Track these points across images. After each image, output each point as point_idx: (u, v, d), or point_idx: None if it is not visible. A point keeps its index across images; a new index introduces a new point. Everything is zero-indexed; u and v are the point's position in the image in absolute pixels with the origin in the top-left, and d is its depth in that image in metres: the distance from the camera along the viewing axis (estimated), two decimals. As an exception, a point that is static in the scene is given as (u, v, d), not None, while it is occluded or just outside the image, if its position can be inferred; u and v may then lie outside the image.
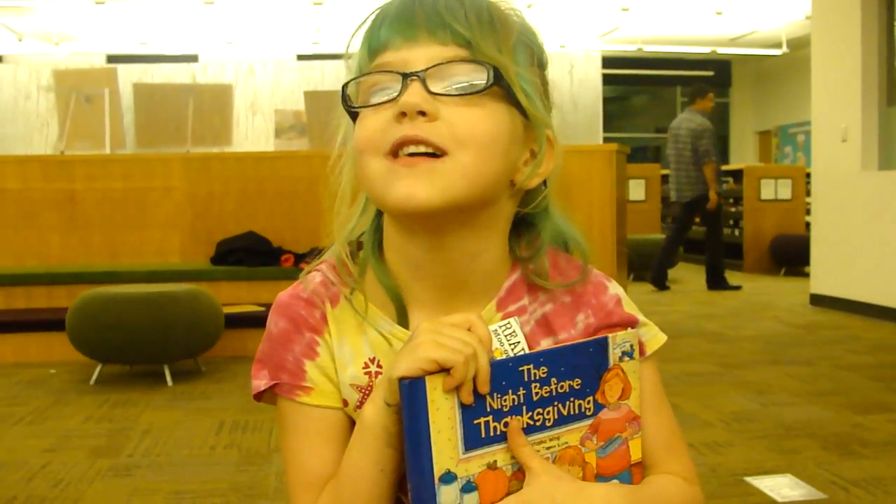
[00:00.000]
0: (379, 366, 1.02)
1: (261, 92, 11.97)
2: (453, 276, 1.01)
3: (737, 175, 11.76)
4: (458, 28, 0.93)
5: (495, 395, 0.92)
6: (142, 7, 12.90)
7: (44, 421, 4.21)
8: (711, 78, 18.51)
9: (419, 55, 0.93)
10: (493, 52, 0.93)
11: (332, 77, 11.99)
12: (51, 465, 3.49)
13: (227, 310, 5.49)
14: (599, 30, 14.86)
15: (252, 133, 11.75)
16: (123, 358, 5.02)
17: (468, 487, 0.91)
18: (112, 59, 14.76)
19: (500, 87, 0.94)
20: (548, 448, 0.95)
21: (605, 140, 12.93)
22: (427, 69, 0.92)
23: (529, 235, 1.07)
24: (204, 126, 9.00)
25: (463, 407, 0.90)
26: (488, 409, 0.91)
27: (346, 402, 1.03)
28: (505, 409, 0.92)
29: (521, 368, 0.93)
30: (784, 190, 11.10)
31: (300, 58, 14.29)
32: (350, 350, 1.03)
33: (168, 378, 4.95)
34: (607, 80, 15.31)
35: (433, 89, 0.92)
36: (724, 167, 13.52)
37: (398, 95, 0.92)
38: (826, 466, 3.34)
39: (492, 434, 0.92)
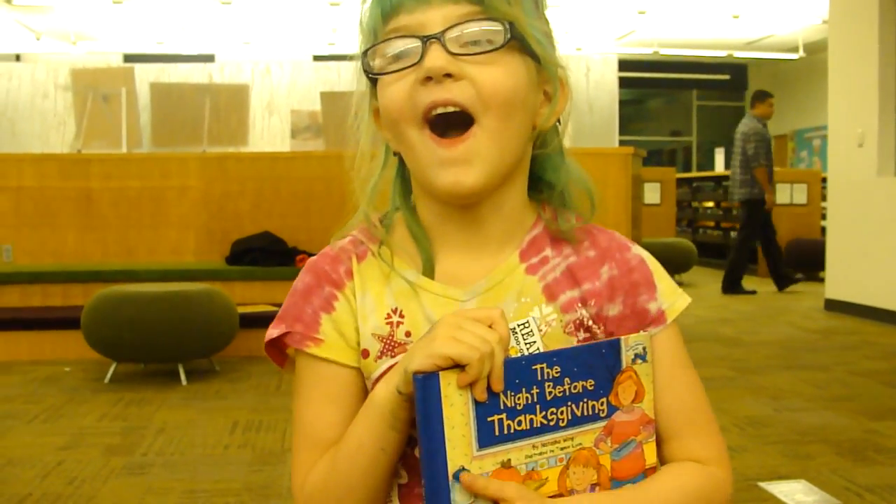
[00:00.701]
0: (401, 315, 1.02)
1: (277, 92, 11.98)
2: (479, 227, 1.03)
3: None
4: None
5: (509, 393, 0.92)
6: (159, 7, 12.93)
7: (58, 419, 4.23)
8: (727, 82, 18.48)
9: (434, 16, 0.94)
10: (505, 6, 0.95)
11: (349, 78, 11.83)
12: (65, 462, 3.51)
13: (242, 309, 5.50)
14: (616, 33, 14.83)
15: (268, 133, 11.76)
16: (138, 356, 5.04)
17: None
18: (129, 58, 14.81)
19: (515, 40, 0.96)
20: (562, 448, 0.95)
21: (621, 143, 12.88)
22: (445, 30, 0.94)
23: (543, 185, 1.08)
24: (220, 126, 9.02)
25: (477, 404, 0.90)
26: (502, 407, 0.91)
27: (366, 353, 1.03)
28: (518, 408, 0.92)
29: (534, 367, 0.93)
30: (800, 195, 11.06)
31: (316, 58, 14.30)
32: (373, 301, 1.03)
33: (182, 377, 4.97)
34: (623, 83, 15.26)
35: (453, 50, 0.94)
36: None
37: (420, 60, 0.94)
38: (840, 472, 3.33)
39: (506, 432, 0.92)
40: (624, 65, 15.33)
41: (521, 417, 0.93)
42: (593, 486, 0.98)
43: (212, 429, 4.02)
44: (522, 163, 1.03)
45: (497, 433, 0.92)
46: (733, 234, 12.01)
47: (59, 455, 3.61)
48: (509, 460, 0.92)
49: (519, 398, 0.93)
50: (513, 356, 0.94)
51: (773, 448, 3.67)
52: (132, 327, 4.79)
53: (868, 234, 7.42)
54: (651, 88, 18.85)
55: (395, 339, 1.01)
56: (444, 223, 1.03)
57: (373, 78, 1.01)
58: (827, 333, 6.74)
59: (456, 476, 0.89)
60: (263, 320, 5.68)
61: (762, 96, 9.28)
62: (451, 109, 0.94)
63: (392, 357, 1.01)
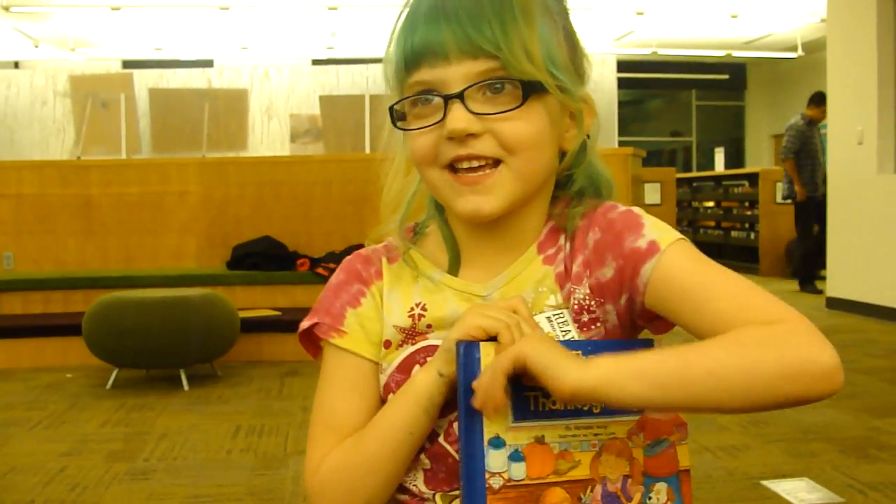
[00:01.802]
0: (423, 309, 1.07)
1: (276, 96, 12.00)
2: (503, 237, 1.06)
3: (752, 178, 11.72)
4: (481, 43, 0.96)
5: None
6: (157, 13, 12.93)
7: (60, 425, 4.23)
8: (726, 81, 18.47)
9: (454, 74, 0.97)
10: (523, 61, 0.96)
11: (347, 82, 12.00)
12: (68, 469, 3.51)
13: (243, 314, 5.50)
14: (614, 33, 14.83)
15: (267, 137, 11.77)
16: (140, 362, 5.04)
17: (516, 456, 0.94)
18: (128, 64, 14.82)
19: (541, 92, 0.98)
20: (595, 435, 0.97)
21: (620, 144, 12.91)
22: (465, 89, 0.97)
23: (567, 184, 1.11)
24: (219, 131, 9.04)
25: (516, 377, 0.92)
26: (538, 384, 0.93)
27: (388, 343, 1.07)
28: None
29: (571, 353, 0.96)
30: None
31: (315, 62, 14.31)
32: (400, 297, 1.08)
33: (184, 382, 4.97)
34: (622, 83, 15.29)
35: (474, 109, 0.97)
36: (739, 171, 13.51)
37: (443, 118, 0.98)
38: (843, 470, 3.32)
39: (541, 409, 0.95)
40: (622, 65, 15.35)
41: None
42: (625, 478, 0.99)
43: (214, 434, 4.02)
44: (548, 181, 1.07)
45: (532, 408, 0.95)
46: (734, 233, 12.04)
47: (62, 461, 3.61)
48: (543, 436, 0.95)
49: None
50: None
51: (776, 446, 3.67)
52: (134, 333, 4.79)
53: (869, 231, 7.42)
54: (650, 89, 18.83)
55: (416, 329, 1.06)
56: (470, 234, 1.08)
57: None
58: (829, 331, 6.62)
59: (491, 442, 0.92)
60: (265, 325, 5.70)
61: (815, 99, 9.24)
62: (475, 164, 0.99)
63: (413, 345, 1.06)
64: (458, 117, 0.96)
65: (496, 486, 0.93)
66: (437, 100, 0.98)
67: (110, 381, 5.01)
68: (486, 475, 0.92)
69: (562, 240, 1.06)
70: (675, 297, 0.96)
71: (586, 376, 0.87)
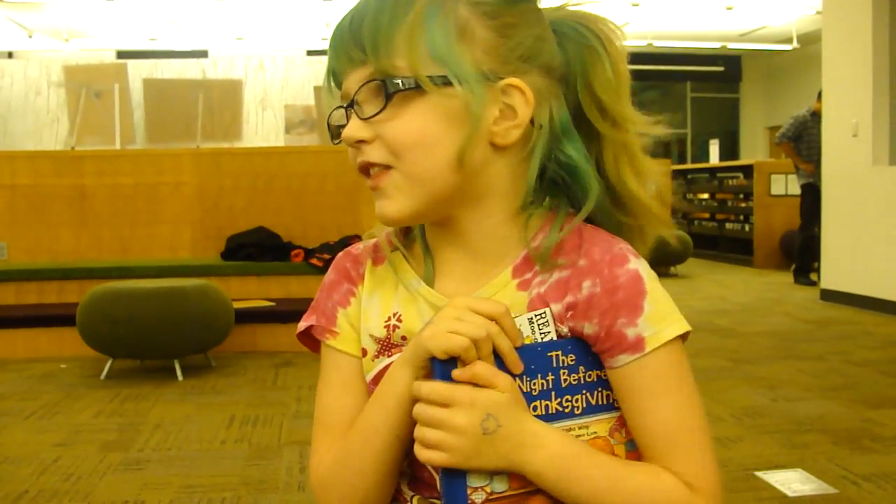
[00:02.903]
0: (399, 320, 1.05)
1: (271, 87, 11.96)
2: (463, 243, 1.03)
3: (747, 170, 11.74)
4: (357, 50, 0.96)
5: (525, 378, 0.94)
6: (151, 3, 12.91)
7: (55, 415, 4.22)
8: (721, 73, 18.48)
9: (350, 83, 0.99)
10: (384, 61, 0.95)
11: (342, 72, 11.94)
12: (62, 459, 3.50)
13: (238, 305, 5.50)
14: (609, 25, 14.81)
15: (262, 128, 11.74)
16: (134, 353, 5.03)
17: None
18: (122, 54, 14.80)
19: (413, 89, 0.94)
20: (577, 436, 0.97)
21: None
22: (353, 98, 0.98)
23: (561, 194, 1.05)
24: (214, 121, 9.02)
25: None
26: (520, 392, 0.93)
27: (364, 352, 1.07)
28: (534, 393, 0.94)
29: (549, 354, 0.95)
30: (794, 185, 11.06)
31: (310, 53, 14.29)
32: (378, 304, 1.07)
33: (178, 373, 4.97)
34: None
35: (364, 115, 0.97)
36: (733, 163, 13.52)
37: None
38: (837, 461, 3.33)
39: None
40: (618, 57, 15.33)
41: (537, 403, 0.94)
42: None
43: (208, 424, 4.02)
44: (499, 182, 1.00)
45: None
46: (728, 225, 12.05)
47: (56, 452, 3.61)
48: None
49: (535, 384, 0.95)
50: (528, 343, 0.96)
51: (769, 437, 3.68)
52: (128, 324, 4.78)
53: (863, 223, 7.43)
54: (645, 81, 18.83)
55: (391, 341, 1.05)
56: (441, 243, 1.06)
57: None
58: (823, 323, 6.75)
59: None
60: (259, 315, 5.70)
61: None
62: (376, 169, 0.98)
63: (388, 357, 1.05)
64: (351, 126, 0.98)
65: (479, 501, 0.92)
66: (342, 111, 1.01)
67: (104, 372, 5.00)
68: (469, 491, 0.91)
69: (538, 265, 1.00)
70: (628, 393, 0.98)
71: (534, 458, 0.92)
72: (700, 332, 6.29)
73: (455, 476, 0.91)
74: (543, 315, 0.98)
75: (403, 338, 1.03)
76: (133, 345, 4.88)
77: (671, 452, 0.96)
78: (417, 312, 1.03)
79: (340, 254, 1.15)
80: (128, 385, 4.84)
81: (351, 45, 0.97)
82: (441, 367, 0.91)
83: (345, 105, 0.99)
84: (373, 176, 0.98)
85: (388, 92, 0.94)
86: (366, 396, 1.06)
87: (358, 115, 0.97)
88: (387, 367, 1.03)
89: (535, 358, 0.94)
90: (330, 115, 1.03)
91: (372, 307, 1.07)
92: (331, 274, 1.13)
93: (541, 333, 0.98)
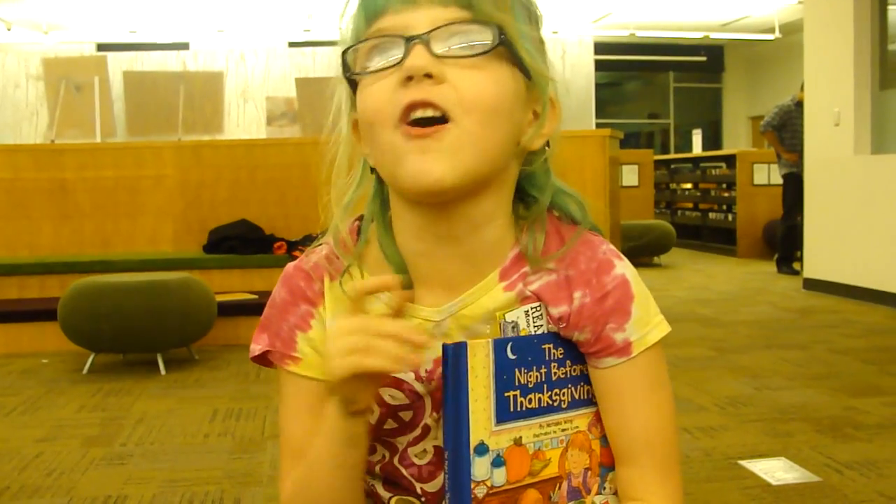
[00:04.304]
0: None
1: (252, 79, 11.94)
2: (459, 245, 0.98)
3: (729, 160, 11.76)
4: None
5: (522, 370, 0.95)
6: (131, -5, 12.84)
7: (36, 410, 4.19)
8: (704, 63, 18.51)
9: (420, 18, 0.90)
10: (494, 11, 0.90)
11: (324, 64, 11.96)
12: (44, 454, 3.48)
13: (220, 298, 5.47)
14: (592, 15, 14.82)
15: (243, 120, 11.72)
16: (116, 347, 5.00)
17: (498, 462, 0.93)
18: (102, 47, 14.70)
19: (503, 47, 0.91)
20: (563, 430, 0.98)
21: (598, 126, 12.91)
22: (430, 31, 0.89)
23: (530, 201, 1.03)
24: (195, 114, 8.96)
25: (497, 377, 0.92)
26: (517, 384, 0.94)
27: None
28: (530, 385, 0.95)
29: (543, 347, 0.96)
30: (777, 175, 11.10)
31: (291, 45, 14.23)
32: None
33: (161, 367, 4.94)
34: (600, 65, 15.30)
35: (437, 51, 0.89)
36: (716, 152, 13.55)
37: (402, 59, 0.89)
38: (820, 449, 3.34)
39: (519, 409, 0.94)
40: (600, 47, 15.36)
41: (532, 396, 0.95)
42: (586, 471, 0.99)
43: (191, 418, 4.00)
44: (504, 179, 0.98)
45: (511, 409, 0.94)
46: (711, 215, 12.09)
47: (38, 447, 3.58)
48: (521, 438, 0.94)
49: (531, 376, 0.95)
50: (524, 335, 0.97)
51: (753, 426, 3.69)
52: (110, 318, 4.75)
53: (846, 212, 7.45)
54: (628, 71, 18.86)
55: None
56: (422, 241, 0.98)
57: (352, 80, 0.96)
58: (806, 312, 6.77)
59: (477, 450, 0.91)
60: (242, 308, 5.68)
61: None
62: (430, 113, 0.88)
63: None
64: (419, 55, 0.88)
65: (480, 496, 0.92)
66: (396, 46, 0.90)
67: (87, 366, 4.97)
68: (472, 485, 0.91)
69: (528, 268, 1.00)
70: (611, 394, 0.99)
71: None
72: (683, 321, 6.30)
73: (461, 468, 0.90)
74: (538, 308, 0.99)
75: None
76: (115, 339, 4.85)
77: (651, 460, 0.99)
78: None
79: (290, 268, 1.07)
80: (110, 379, 4.82)
81: None
82: (453, 350, 0.91)
83: (406, 36, 0.89)
84: (426, 129, 0.88)
85: (497, 41, 0.90)
86: None
87: (431, 51, 0.89)
88: None
89: (531, 349, 0.95)
90: (352, 48, 0.93)
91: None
92: (282, 292, 1.06)
93: (535, 326, 0.99)
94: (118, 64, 10.80)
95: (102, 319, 4.76)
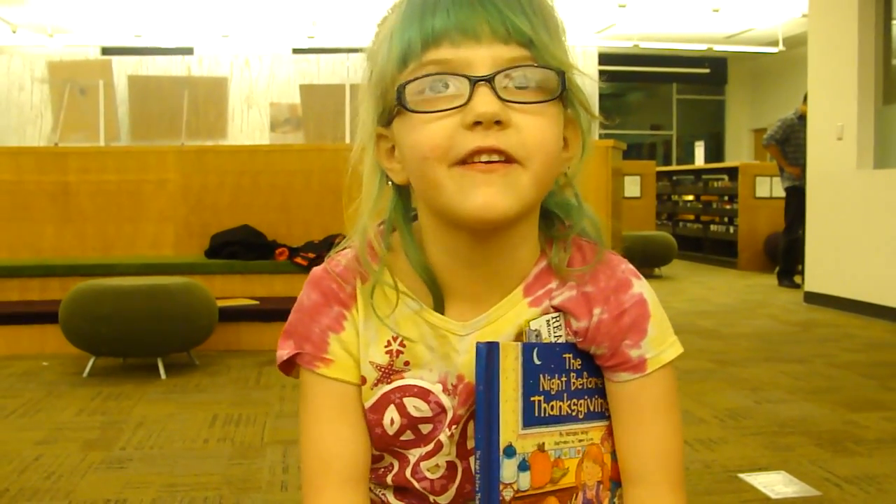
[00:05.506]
0: (402, 344, 1.00)
1: (256, 85, 11.95)
2: (490, 266, 0.99)
3: (732, 172, 11.77)
4: (519, 25, 0.88)
5: (546, 375, 0.96)
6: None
7: (36, 413, 4.19)
8: (707, 76, 18.52)
9: (483, 56, 0.88)
10: (558, 53, 0.91)
11: (328, 71, 11.97)
12: (43, 457, 3.48)
13: (221, 303, 5.48)
14: (596, 26, 14.84)
15: (247, 126, 11.72)
16: (117, 351, 5.00)
17: (524, 466, 0.94)
18: (107, 51, 14.73)
19: (564, 91, 0.92)
20: (580, 441, 0.99)
21: (601, 137, 12.91)
22: (495, 74, 0.87)
23: (556, 219, 1.05)
24: (199, 119, 8.99)
25: (524, 382, 0.93)
26: (541, 389, 0.95)
27: (364, 379, 1.02)
28: (552, 392, 0.96)
29: (564, 355, 0.98)
30: (779, 188, 11.10)
31: (296, 51, 14.25)
32: (375, 326, 1.01)
33: (161, 371, 4.94)
34: (603, 76, 15.30)
35: (504, 96, 0.87)
36: (718, 164, 13.56)
37: (467, 102, 0.87)
38: (820, 463, 3.34)
39: (542, 415, 0.96)
40: (604, 58, 15.37)
41: (554, 403, 0.96)
42: (598, 484, 1.00)
43: (191, 423, 4.00)
44: (539, 206, 1.01)
45: (536, 414, 0.95)
46: (713, 227, 12.09)
47: (37, 450, 3.58)
48: (544, 444, 0.96)
49: (553, 383, 0.97)
50: (548, 342, 0.98)
51: (752, 439, 3.68)
52: (111, 321, 4.75)
53: (847, 226, 7.45)
54: (631, 82, 18.87)
55: (393, 367, 1.01)
56: (453, 259, 0.98)
57: (399, 111, 0.93)
58: (806, 326, 6.77)
59: (505, 452, 0.92)
60: (243, 314, 5.68)
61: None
62: (495, 158, 0.88)
63: (388, 384, 1.01)
64: (488, 101, 0.86)
65: (507, 498, 0.93)
66: (458, 84, 0.88)
67: (87, 370, 4.97)
68: (500, 486, 0.92)
69: (553, 283, 1.01)
70: (624, 408, 1.01)
71: None
72: (683, 333, 6.27)
73: (492, 467, 0.91)
74: (558, 318, 1.01)
75: (406, 363, 1.00)
76: (116, 342, 4.85)
77: (664, 478, 1.01)
78: (420, 336, 1.00)
79: (318, 272, 1.05)
80: (110, 383, 4.82)
81: (496, 16, 0.88)
82: (487, 349, 0.92)
83: (472, 76, 0.87)
84: (495, 162, 0.88)
85: (560, 89, 0.90)
86: (362, 427, 1.01)
87: (498, 96, 0.87)
88: (386, 393, 1.00)
89: (554, 357, 0.97)
90: (425, 78, 0.89)
91: (370, 332, 1.01)
92: (312, 295, 1.04)
93: (555, 336, 1.00)
94: (123, 68, 10.81)
95: (103, 323, 4.76)
